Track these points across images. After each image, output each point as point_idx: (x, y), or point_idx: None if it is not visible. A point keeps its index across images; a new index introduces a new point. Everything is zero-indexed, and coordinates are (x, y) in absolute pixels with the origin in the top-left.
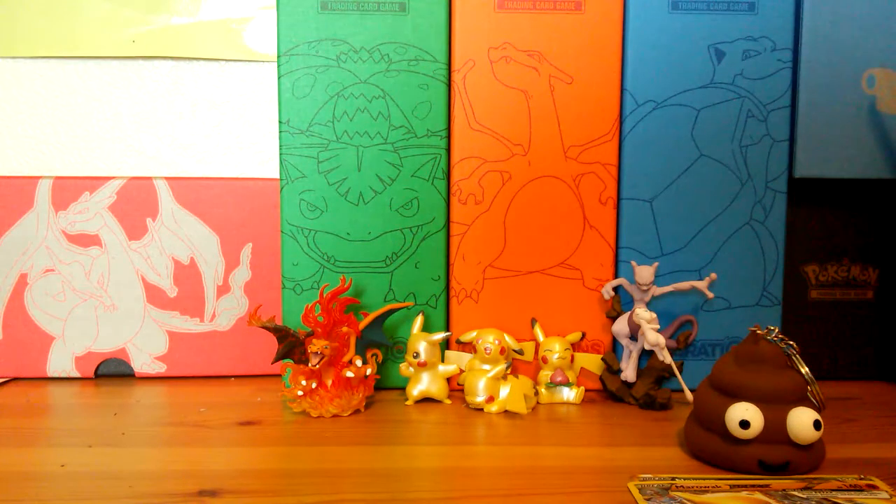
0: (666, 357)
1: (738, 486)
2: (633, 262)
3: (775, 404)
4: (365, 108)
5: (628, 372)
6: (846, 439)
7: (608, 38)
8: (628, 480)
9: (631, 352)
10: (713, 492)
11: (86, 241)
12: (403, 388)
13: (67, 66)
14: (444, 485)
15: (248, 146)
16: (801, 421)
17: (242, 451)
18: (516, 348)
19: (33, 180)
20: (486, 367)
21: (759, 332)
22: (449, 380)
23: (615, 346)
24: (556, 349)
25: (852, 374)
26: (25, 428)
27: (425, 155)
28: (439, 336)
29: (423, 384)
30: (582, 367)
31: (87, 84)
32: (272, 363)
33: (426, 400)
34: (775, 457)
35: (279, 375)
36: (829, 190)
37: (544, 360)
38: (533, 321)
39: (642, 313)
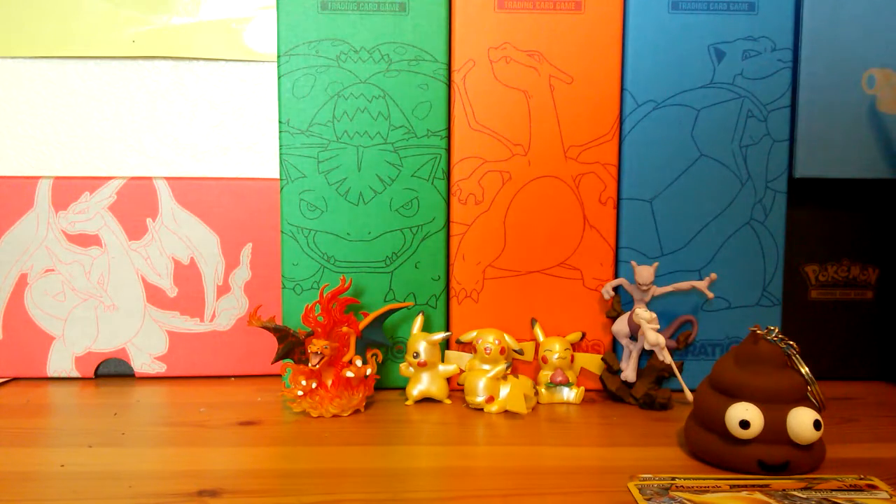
0: (666, 357)
1: (738, 486)
2: (633, 262)
3: (775, 404)
4: (365, 108)
5: (628, 372)
6: (846, 439)
7: (608, 38)
8: (628, 480)
9: (631, 352)
10: (713, 492)
11: (86, 241)
12: (403, 388)
13: (67, 66)
14: (444, 485)
15: (248, 146)
16: (801, 421)
17: (242, 451)
18: (516, 348)
19: (33, 180)
20: (486, 367)
21: (759, 332)
22: (449, 380)
23: (615, 346)
24: (556, 349)
25: (852, 374)
26: (25, 428)
27: (425, 155)
28: (439, 336)
29: (423, 384)
30: (582, 367)
31: (87, 84)
32: (272, 363)
33: (426, 400)
34: (775, 457)
35: (279, 375)
36: (829, 190)
37: (544, 360)
38: (533, 321)
39: (642, 313)
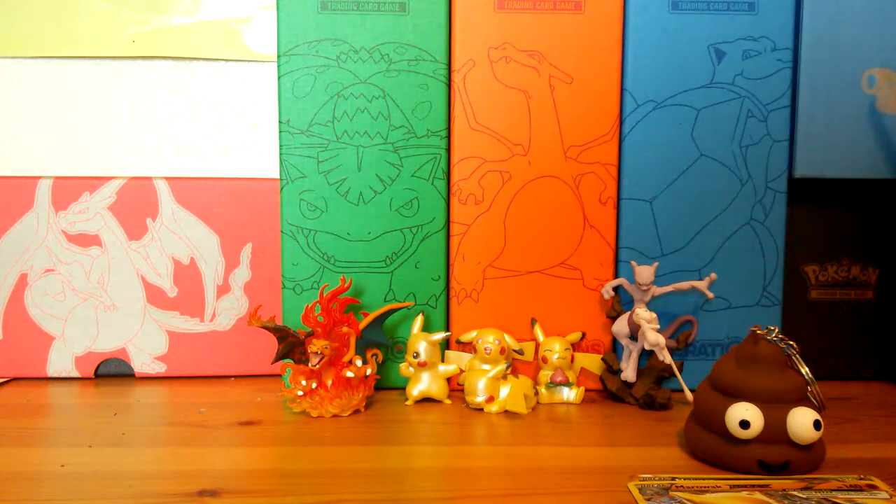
0: (666, 357)
1: (738, 486)
2: (633, 262)
3: (775, 404)
4: (365, 108)
5: (628, 372)
6: (846, 439)
7: (608, 38)
8: (628, 480)
9: (631, 352)
10: (713, 492)
11: (86, 241)
12: (403, 388)
13: (67, 66)
14: (444, 485)
15: (248, 146)
16: (801, 421)
17: (242, 451)
18: (516, 348)
19: (33, 180)
20: (486, 367)
21: (759, 332)
22: (449, 380)
23: (615, 346)
24: (556, 349)
25: (852, 374)
26: (25, 428)
27: (425, 155)
28: (439, 336)
29: (423, 384)
30: (582, 367)
31: (87, 84)
32: (272, 363)
33: (426, 400)
34: (775, 457)
35: (279, 375)
36: (829, 190)
37: (544, 360)
38: (533, 321)
39: (642, 313)
